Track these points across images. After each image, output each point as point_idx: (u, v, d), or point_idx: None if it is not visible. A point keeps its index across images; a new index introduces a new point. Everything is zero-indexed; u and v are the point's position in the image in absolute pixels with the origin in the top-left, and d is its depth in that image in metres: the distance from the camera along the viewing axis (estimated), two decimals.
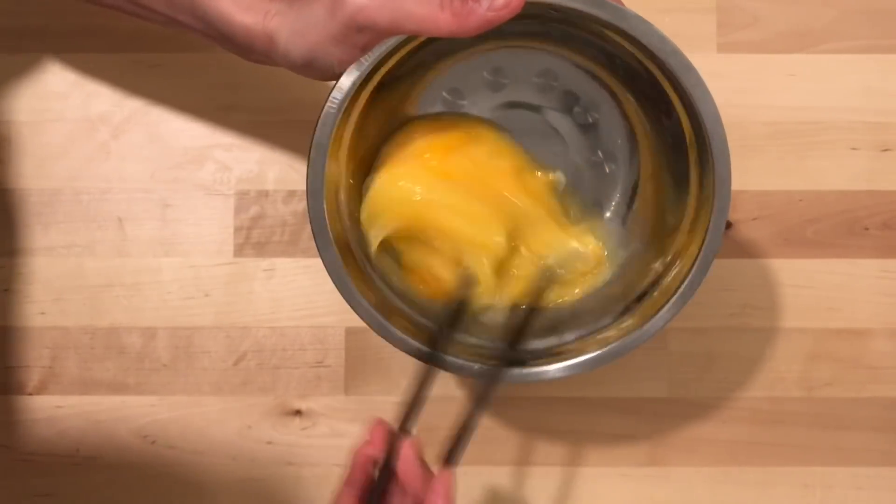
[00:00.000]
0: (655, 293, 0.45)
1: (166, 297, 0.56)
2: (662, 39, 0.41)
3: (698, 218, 0.44)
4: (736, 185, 0.57)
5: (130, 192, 0.57)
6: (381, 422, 0.41)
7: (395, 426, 0.42)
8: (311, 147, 0.40)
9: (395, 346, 0.44)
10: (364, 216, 0.45)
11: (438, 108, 0.49)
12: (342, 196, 0.44)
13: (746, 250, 0.57)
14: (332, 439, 0.56)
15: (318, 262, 0.44)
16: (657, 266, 0.46)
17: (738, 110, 0.57)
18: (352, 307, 0.44)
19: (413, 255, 0.46)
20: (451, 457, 0.41)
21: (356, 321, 0.44)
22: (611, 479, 0.56)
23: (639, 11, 0.57)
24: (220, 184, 0.57)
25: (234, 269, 0.57)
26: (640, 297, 0.46)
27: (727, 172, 0.42)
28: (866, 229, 0.57)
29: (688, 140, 0.44)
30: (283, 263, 0.57)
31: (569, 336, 0.46)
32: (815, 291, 0.56)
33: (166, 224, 0.57)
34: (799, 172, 0.57)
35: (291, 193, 0.57)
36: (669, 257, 0.46)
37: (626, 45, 0.42)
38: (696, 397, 0.56)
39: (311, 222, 0.42)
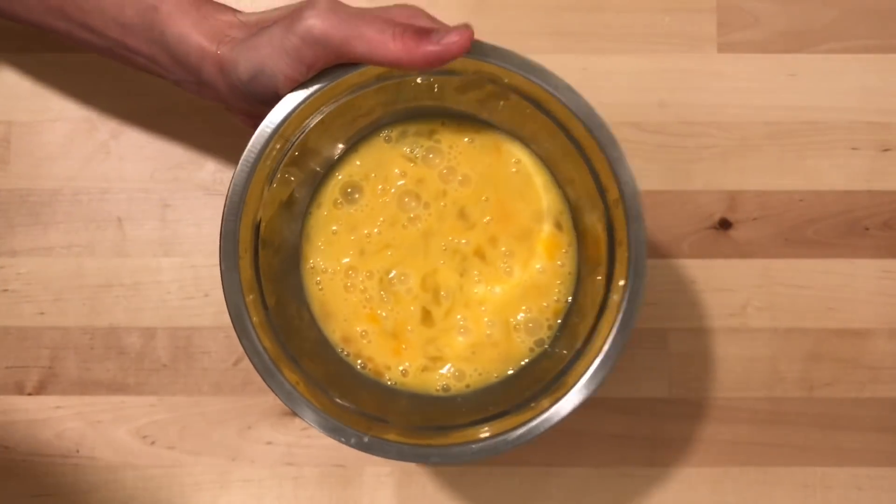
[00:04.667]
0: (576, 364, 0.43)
1: (166, 298, 0.56)
2: (591, 113, 0.40)
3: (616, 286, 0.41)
4: (736, 185, 0.57)
5: (130, 192, 0.57)
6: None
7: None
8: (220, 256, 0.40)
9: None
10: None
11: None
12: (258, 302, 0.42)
13: (746, 250, 0.57)
14: (332, 439, 0.56)
15: None
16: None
17: (737, 110, 0.57)
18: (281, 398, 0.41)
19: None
20: None
21: None
22: (611, 479, 0.56)
23: (639, 11, 0.57)
24: (220, 184, 0.57)
25: None
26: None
27: (643, 262, 0.40)
28: (866, 229, 0.57)
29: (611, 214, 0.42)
30: None
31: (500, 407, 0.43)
32: (815, 291, 0.57)
33: (166, 224, 0.57)
34: (799, 172, 0.57)
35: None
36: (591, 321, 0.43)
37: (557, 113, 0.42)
38: (696, 397, 0.56)
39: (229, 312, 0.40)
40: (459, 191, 0.45)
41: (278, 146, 0.41)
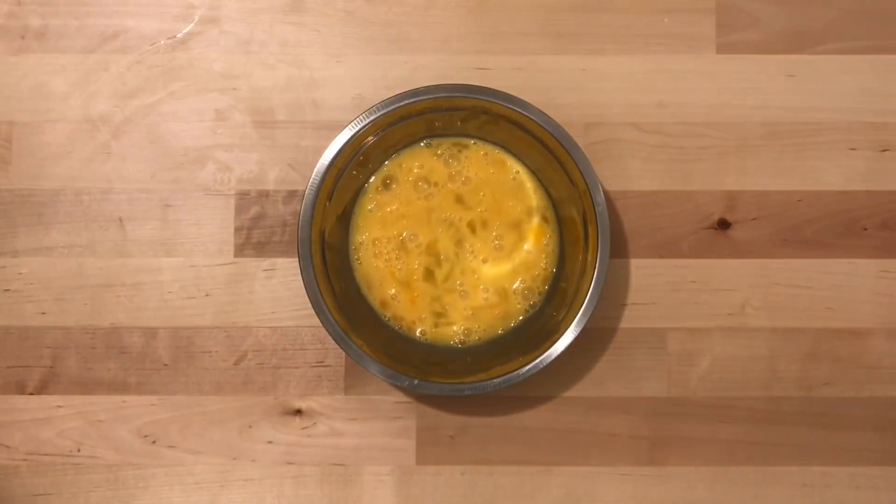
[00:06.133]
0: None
1: (167, 297, 0.57)
2: (557, 126, 0.51)
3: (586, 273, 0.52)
4: (735, 185, 0.57)
5: (131, 192, 0.57)
6: None
7: None
8: (299, 225, 0.51)
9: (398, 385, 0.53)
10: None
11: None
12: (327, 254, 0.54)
13: (745, 250, 0.57)
14: (332, 439, 0.56)
15: None
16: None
17: (737, 111, 0.57)
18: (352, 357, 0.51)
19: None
20: None
21: None
22: (610, 479, 0.56)
23: (638, 12, 0.58)
24: (220, 184, 0.57)
25: (234, 269, 0.57)
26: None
27: (606, 252, 0.51)
28: (865, 229, 0.57)
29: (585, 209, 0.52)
30: (283, 263, 0.57)
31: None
32: (814, 291, 0.57)
33: (167, 224, 0.57)
34: (798, 172, 0.57)
35: (292, 194, 0.57)
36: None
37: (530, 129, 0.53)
38: (696, 397, 0.56)
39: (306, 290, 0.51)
40: (461, 187, 0.56)
41: (334, 172, 0.52)
